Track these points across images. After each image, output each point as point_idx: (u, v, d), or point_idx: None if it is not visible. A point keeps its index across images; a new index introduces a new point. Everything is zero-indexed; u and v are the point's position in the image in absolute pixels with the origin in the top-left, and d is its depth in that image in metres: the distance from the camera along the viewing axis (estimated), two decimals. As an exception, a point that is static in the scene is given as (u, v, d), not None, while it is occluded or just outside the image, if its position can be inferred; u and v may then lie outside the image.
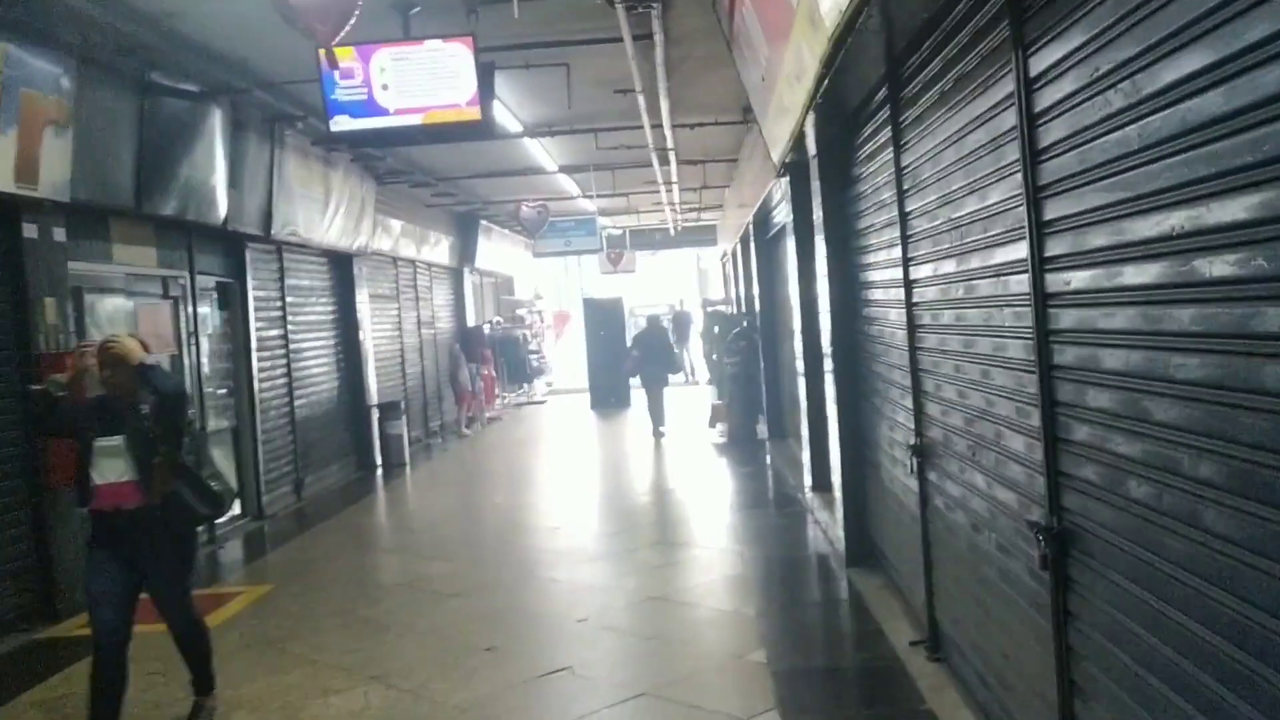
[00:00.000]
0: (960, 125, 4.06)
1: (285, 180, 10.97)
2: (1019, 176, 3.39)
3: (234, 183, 9.78)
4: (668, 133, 12.14)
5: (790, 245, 9.30)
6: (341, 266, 13.94)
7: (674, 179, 15.90)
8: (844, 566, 7.20)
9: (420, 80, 7.12)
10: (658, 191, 17.72)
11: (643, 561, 7.96)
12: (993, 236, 3.80)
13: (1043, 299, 3.29)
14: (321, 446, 12.84)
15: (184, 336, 9.72)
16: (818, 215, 7.44)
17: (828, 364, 7.61)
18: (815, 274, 7.92)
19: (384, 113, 7.14)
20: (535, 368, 24.05)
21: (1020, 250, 3.47)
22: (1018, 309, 3.58)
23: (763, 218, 13.59)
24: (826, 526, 8.27)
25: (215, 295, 10.70)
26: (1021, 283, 3.49)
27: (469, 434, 17.85)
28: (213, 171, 9.36)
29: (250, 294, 10.94)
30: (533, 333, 25.55)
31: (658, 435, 15.71)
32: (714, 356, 17.22)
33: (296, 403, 12.06)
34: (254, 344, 10.96)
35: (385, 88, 7.11)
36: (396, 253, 16.44)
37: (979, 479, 4.21)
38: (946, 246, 4.45)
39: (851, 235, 6.91)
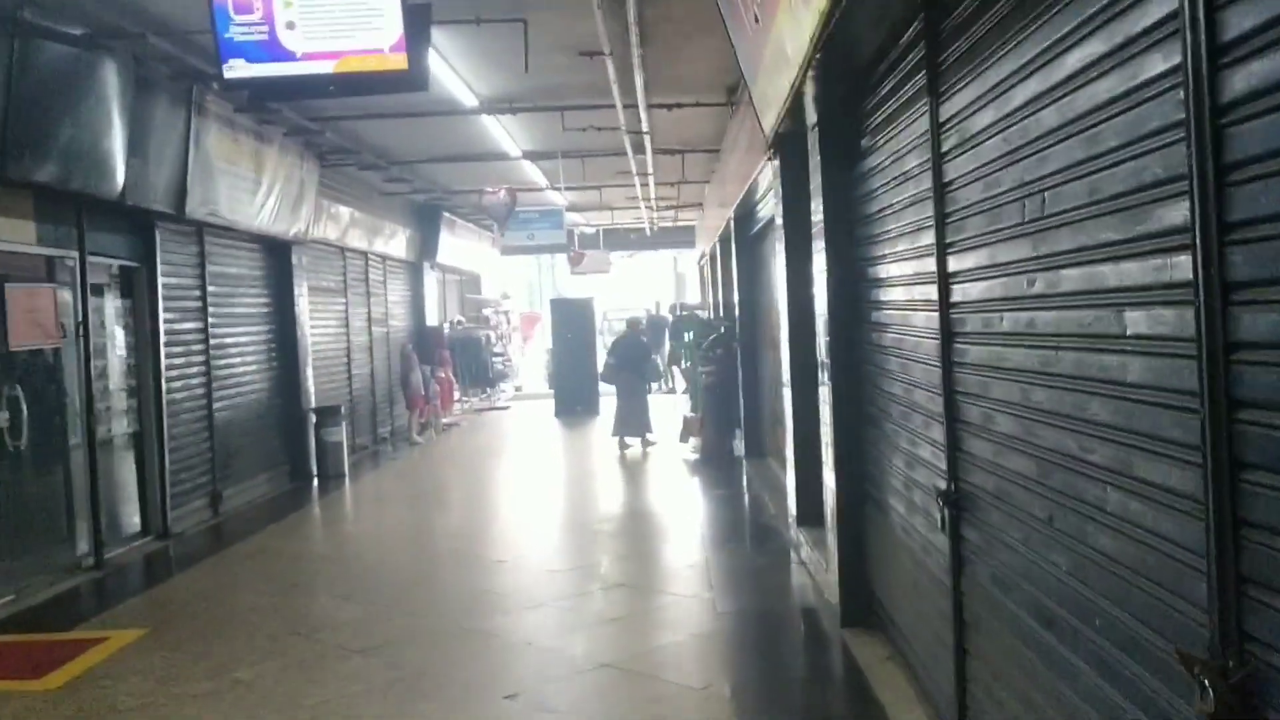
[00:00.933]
0: (1056, 38, 2.78)
1: (204, 152, 9.61)
2: (1180, 93, 2.11)
3: (136, 150, 8.41)
4: (642, 114, 10.86)
5: (779, 239, 8.03)
6: (277, 255, 12.56)
7: (649, 170, 14.62)
8: (839, 626, 5.91)
9: (334, 18, 5.80)
10: (632, 185, 16.45)
11: (596, 612, 6.63)
12: (1109, 201, 2.52)
13: (1221, 291, 2.01)
14: (246, 455, 11.45)
15: (70, 326, 8.34)
16: (816, 198, 6.16)
17: (823, 377, 6.34)
18: (810, 270, 6.65)
19: (289, 57, 5.81)
20: (499, 371, 22.70)
21: (1172, 214, 2.19)
22: (1158, 308, 2.31)
23: (746, 213, 12.33)
24: (816, 569, 6.98)
25: (119, 280, 9.34)
26: (1172, 267, 2.21)
27: (420, 442, 16.49)
28: (106, 135, 7.99)
29: (160, 281, 9.56)
30: (498, 334, 24.23)
31: (623, 446, 14.47)
32: (685, 364, 15.94)
33: (216, 405, 10.67)
34: (163, 337, 9.57)
35: (290, 26, 5.78)
36: (345, 243, 15.08)
37: (1062, 558, 2.92)
38: (1014, 224, 3.17)
39: (859, 221, 5.64)
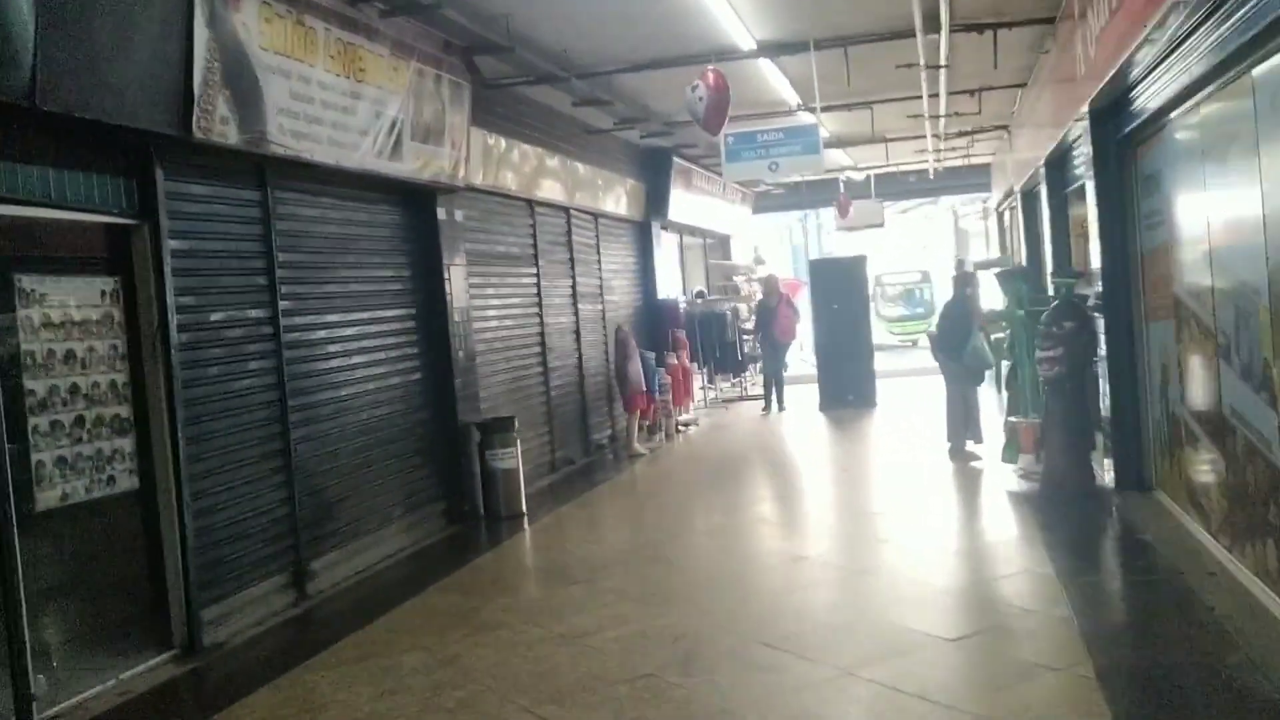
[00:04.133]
0: None
1: (229, 37, 5.95)
2: None
3: (62, 22, 4.82)
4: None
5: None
6: (414, 209, 8.93)
7: (942, 59, 9.95)
8: None
9: None
10: (916, 95, 11.80)
11: None
12: None
13: None
14: (363, 499, 7.88)
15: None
16: None
17: None
18: None
19: None
20: (749, 353, 18.54)
21: None
22: None
23: (1117, 101, 7.63)
24: None
25: (101, 248, 5.89)
26: None
27: (644, 452, 12.59)
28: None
29: (167, 245, 6.00)
30: (750, 307, 20.06)
31: (961, 457, 10.35)
32: (994, 341, 11.17)
33: (296, 433, 7.09)
34: (176, 335, 6.02)
35: None
36: (533, 194, 11.37)
37: None
38: None
39: None
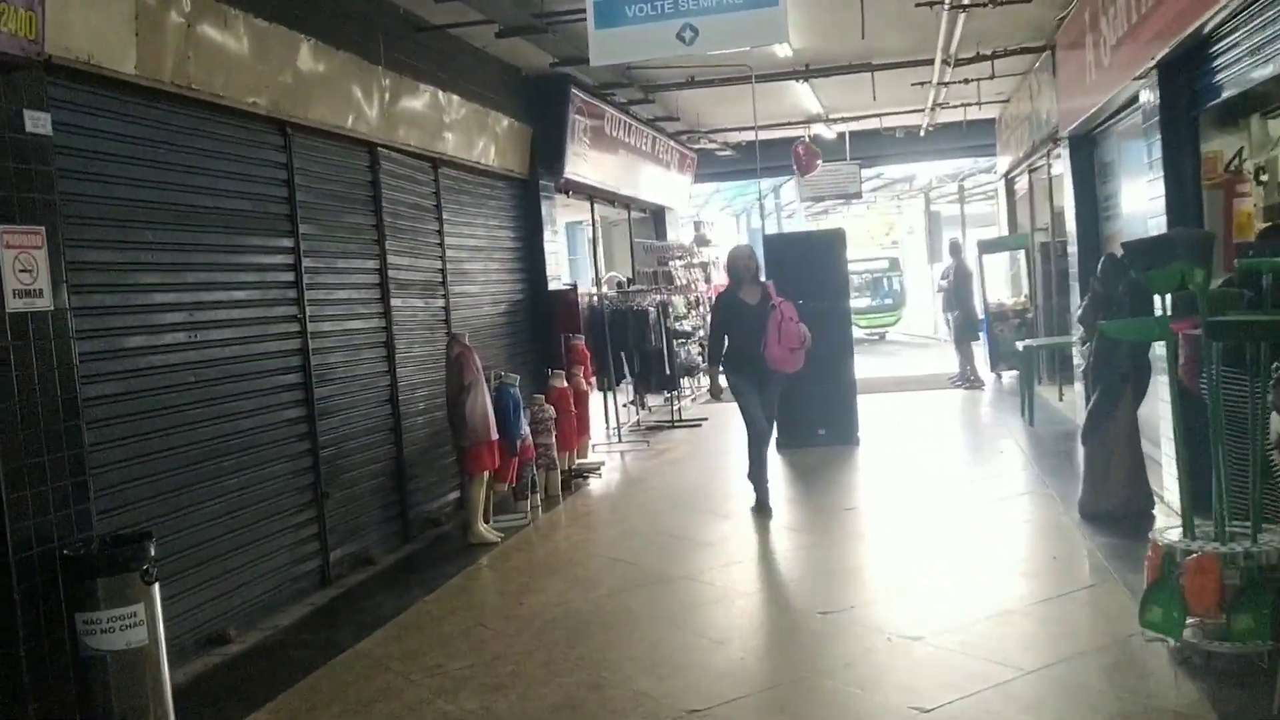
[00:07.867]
0: None
1: None
2: None
3: None
4: None
5: None
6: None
7: None
8: None
9: None
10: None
11: None
12: None
13: None
14: None
15: None
16: None
17: None
18: None
19: None
20: (685, 361, 13.71)
21: None
22: None
23: None
24: None
25: None
26: None
27: (494, 540, 7.73)
28: None
29: None
30: (689, 300, 15.26)
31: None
32: (1090, 371, 6.49)
33: None
34: None
35: None
36: (288, 111, 6.53)
37: None
38: None
39: None
